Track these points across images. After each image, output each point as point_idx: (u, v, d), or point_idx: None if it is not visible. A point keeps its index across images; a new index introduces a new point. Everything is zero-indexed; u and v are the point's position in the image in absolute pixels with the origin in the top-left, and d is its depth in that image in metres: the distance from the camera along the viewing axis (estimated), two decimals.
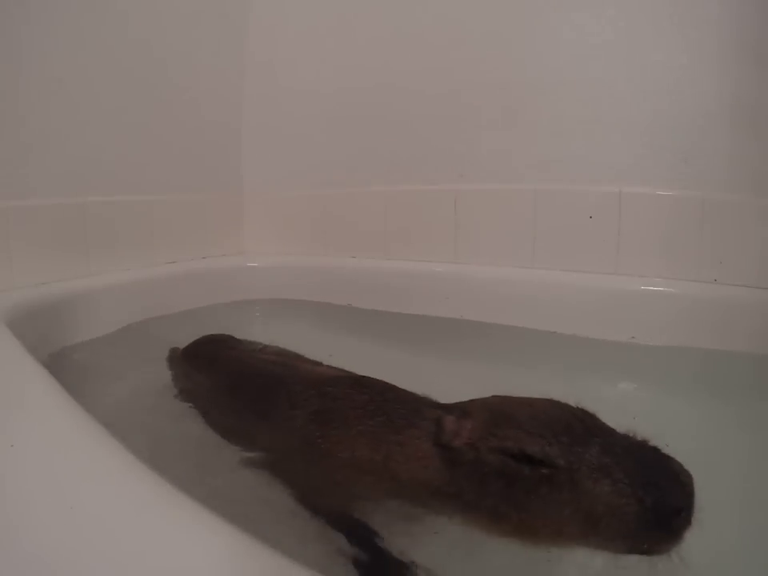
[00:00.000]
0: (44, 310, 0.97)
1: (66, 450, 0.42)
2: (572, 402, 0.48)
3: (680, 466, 0.39)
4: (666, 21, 1.04)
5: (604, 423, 0.44)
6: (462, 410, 0.50)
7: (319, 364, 0.79)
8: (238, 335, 1.16)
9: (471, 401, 0.53)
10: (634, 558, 0.39)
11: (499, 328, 1.14)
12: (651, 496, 0.37)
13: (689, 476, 0.38)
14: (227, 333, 1.07)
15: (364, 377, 0.63)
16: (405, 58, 1.32)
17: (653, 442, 0.41)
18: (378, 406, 0.56)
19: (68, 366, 0.93)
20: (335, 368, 0.74)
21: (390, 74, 1.35)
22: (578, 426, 0.42)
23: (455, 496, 0.46)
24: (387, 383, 0.62)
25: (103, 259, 1.20)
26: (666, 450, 0.40)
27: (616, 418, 0.80)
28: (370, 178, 1.40)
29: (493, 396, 0.53)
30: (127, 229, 1.26)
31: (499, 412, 0.47)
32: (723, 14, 1.00)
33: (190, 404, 0.77)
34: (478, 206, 1.25)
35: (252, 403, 0.68)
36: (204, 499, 0.35)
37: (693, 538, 0.53)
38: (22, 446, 0.42)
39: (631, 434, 0.43)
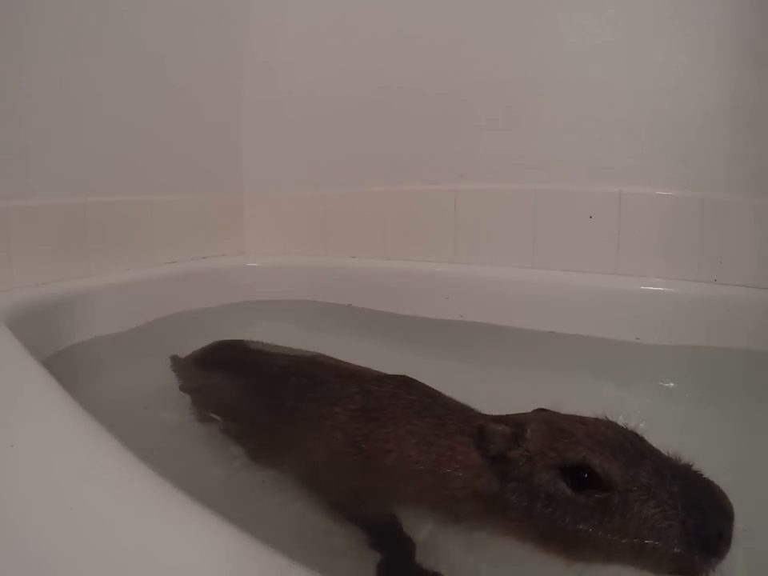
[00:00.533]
0: (44, 310, 0.97)
1: (65, 450, 0.42)
2: (621, 422, 0.47)
3: (721, 491, 0.40)
4: (666, 21, 1.04)
5: (651, 445, 0.44)
6: (515, 422, 0.48)
7: (352, 365, 0.75)
8: (238, 335, 1.16)
9: (522, 414, 0.50)
10: None
11: (499, 328, 1.14)
12: (695, 519, 0.38)
13: (729, 501, 0.39)
14: (227, 333, 1.07)
15: (410, 378, 0.61)
16: (405, 58, 1.32)
17: (695, 466, 0.42)
18: (427, 407, 0.54)
19: (68, 365, 0.93)
20: (373, 370, 0.70)
21: (389, 75, 1.35)
22: (629, 447, 0.43)
23: (502, 510, 0.44)
24: (433, 388, 0.60)
25: (103, 259, 1.20)
26: (708, 476, 0.41)
27: (614, 418, 0.81)
28: (370, 178, 1.40)
29: (542, 410, 0.51)
30: (127, 229, 1.26)
31: (557, 427, 0.45)
32: (723, 14, 1.00)
33: (211, 413, 0.74)
34: (478, 206, 1.25)
35: (285, 402, 0.64)
36: (204, 499, 0.35)
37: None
38: (22, 446, 0.42)
39: (676, 457, 0.43)
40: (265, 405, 0.68)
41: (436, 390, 0.59)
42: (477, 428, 0.48)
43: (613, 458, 0.41)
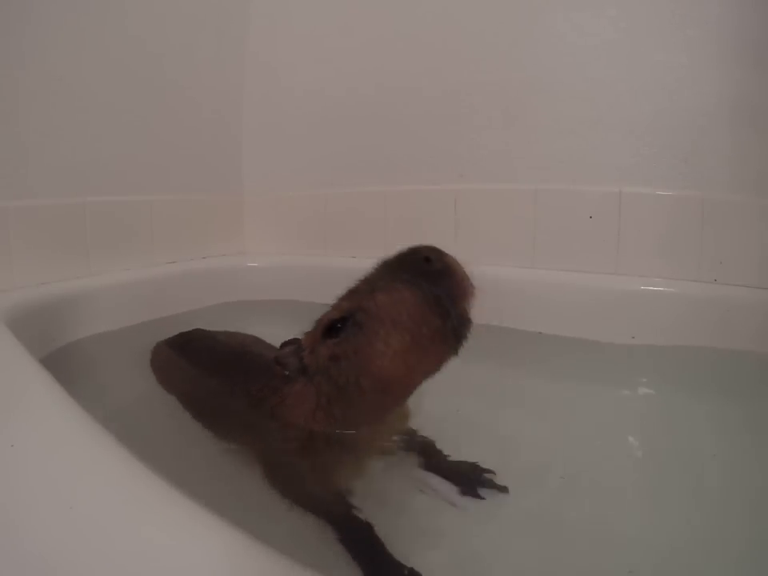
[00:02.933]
0: (44, 310, 0.97)
1: (65, 450, 0.42)
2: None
3: (413, 247, 0.49)
4: (666, 21, 1.04)
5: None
6: (290, 342, 0.57)
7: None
8: None
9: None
10: None
11: (499, 328, 1.14)
12: (409, 275, 0.48)
13: (420, 246, 0.49)
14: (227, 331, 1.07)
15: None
16: (405, 58, 1.32)
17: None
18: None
19: (68, 365, 0.93)
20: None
21: (389, 74, 1.35)
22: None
23: (327, 401, 0.52)
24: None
25: (103, 259, 1.20)
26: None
27: (617, 418, 0.81)
28: (370, 178, 1.40)
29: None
30: (127, 229, 1.26)
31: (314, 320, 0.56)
32: (724, 14, 1.00)
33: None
34: (478, 206, 1.25)
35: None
36: (204, 498, 0.35)
37: (694, 536, 0.53)
38: (22, 446, 0.42)
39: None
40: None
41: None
42: (273, 360, 0.55)
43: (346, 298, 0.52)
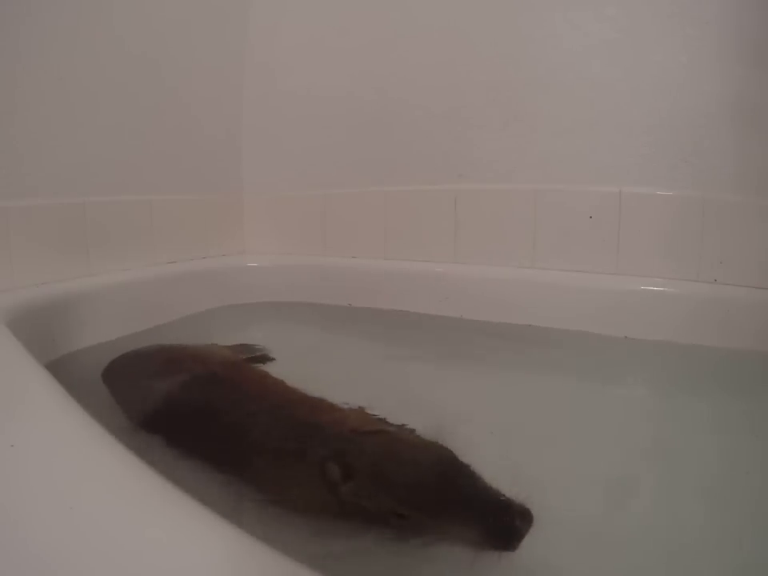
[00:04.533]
0: (44, 310, 0.97)
1: (66, 450, 0.41)
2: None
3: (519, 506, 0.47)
4: (666, 20, 1.04)
5: (470, 473, 0.51)
6: (347, 467, 0.52)
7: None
8: (238, 335, 1.17)
9: (356, 448, 0.54)
10: None
11: (499, 328, 1.14)
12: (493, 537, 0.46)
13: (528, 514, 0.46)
14: (227, 332, 1.07)
15: None
16: (404, 58, 1.32)
17: (504, 493, 0.48)
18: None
19: (68, 365, 0.93)
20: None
21: (389, 74, 1.35)
22: (444, 485, 0.49)
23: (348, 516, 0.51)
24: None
25: (103, 259, 1.19)
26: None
27: (617, 417, 0.81)
28: (370, 178, 1.40)
29: (375, 435, 0.56)
30: (127, 229, 1.26)
31: (380, 470, 0.51)
32: (723, 14, 1.00)
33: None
34: (478, 205, 1.25)
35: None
36: (204, 498, 0.35)
37: (694, 536, 0.53)
38: (22, 446, 0.42)
39: (490, 486, 0.49)
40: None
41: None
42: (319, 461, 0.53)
43: (424, 503, 0.48)
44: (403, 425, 0.61)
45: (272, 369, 0.92)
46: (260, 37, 1.53)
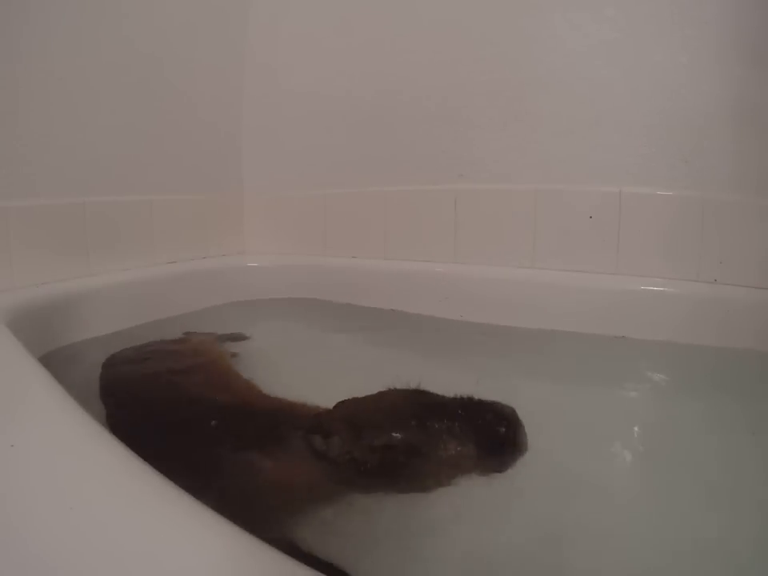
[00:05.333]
0: (44, 310, 0.97)
1: (66, 450, 0.41)
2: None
3: (500, 405, 0.52)
4: (666, 20, 1.04)
5: (435, 395, 0.55)
6: (325, 429, 0.54)
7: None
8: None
9: (328, 415, 0.57)
10: None
11: (499, 328, 1.14)
12: (484, 436, 0.49)
13: (510, 411, 0.51)
14: (226, 332, 1.07)
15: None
16: (404, 58, 1.32)
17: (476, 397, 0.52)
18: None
19: (68, 365, 0.93)
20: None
21: (389, 74, 1.35)
22: (417, 408, 0.53)
23: (347, 482, 0.52)
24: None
25: (103, 259, 1.20)
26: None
27: (616, 417, 0.81)
28: (370, 178, 1.40)
29: (343, 404, 0.58)
30: (127, 229, 1.26)
31: (354, 422, 0.53)
32: (723, 14, 1.00)
33: None
34: (478, 205, 1.25)
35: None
36: (204, 497, 0.35)
37: (694, 536, 0.53)
38: (22, 446, 0.42)
39: (458, 396, 0.53)
40: None
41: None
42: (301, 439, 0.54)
43: (404, 427, 0.50)
44: None
45: (272, 369, 0.92)
46: (260, 37, 1.53)
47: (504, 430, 0.50)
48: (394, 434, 0.51)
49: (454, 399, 0.54)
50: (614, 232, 1.10)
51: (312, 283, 1.41)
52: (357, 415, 0.54)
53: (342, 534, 0.51)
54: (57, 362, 0.91)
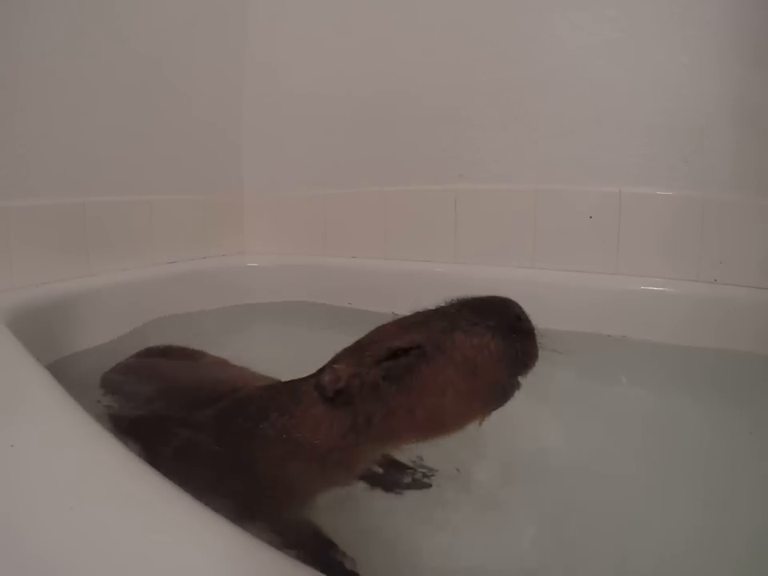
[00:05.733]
0: (44, 310, 0.97)
1: (66, 450, 0.41)
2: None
3: (500, 298, 0.49)
4: (666, 20, 1.04)
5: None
6: (329, 365, 0.52)
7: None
8: (238, 335, 1.17)
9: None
10: None
11: None
12: (496, 324, 0.46)
13: (510, 300, 0.49)
14: (227, 332, 1.07)
15: None
16: (405, 58, 1.32)
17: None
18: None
19: (68, 365, 0.93)
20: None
21: (389, 74, 1.35)
22: (419, 316, 0.50)
23: (365, 423, 0.47)
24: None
25: (103, 259, 1.20)
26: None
27: (615, 418, 0.81)
28: (370, 178, 1.40)
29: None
30: (127, 229, 1.26)
31: (357, 345, 0.51)
32: (724, 14, 1.00)
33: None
34: (478, 205, 1.25)
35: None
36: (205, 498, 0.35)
37: (695, 536, 0.53)
38: (22, 446, 0.42)
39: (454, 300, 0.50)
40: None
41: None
42: (312, 386, 0.51)
43: (412, 328, 0.47)
44: None
45: (272, 369, 0.92)
46: (260, 37, 1.53)
47: (518, 313, 0.47)
48: (399, 340, 0.47)
49: (450, 303, 0.51)
50: (614, 232, 1.10)
51: (312, 283, 1.41)
52: (360, 342, 0.52)
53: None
54: (57, 362, 0.91)
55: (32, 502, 0.35)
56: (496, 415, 0.80)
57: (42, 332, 0.92)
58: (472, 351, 0.45)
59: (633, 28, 1.07)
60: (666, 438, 0.73)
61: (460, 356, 0.45)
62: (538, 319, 1.13)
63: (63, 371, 0.82)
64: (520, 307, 0.47)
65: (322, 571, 0.46)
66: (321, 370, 0.53)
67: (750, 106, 0.99)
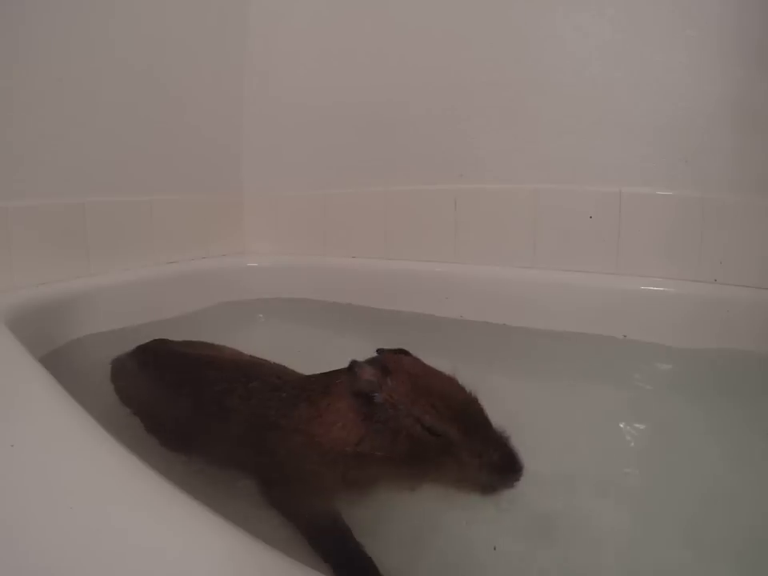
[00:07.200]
0: (44, 310, 0.97)
1: (66, 450, 0.42)
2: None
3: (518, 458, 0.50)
4: (667, 21, 1.04)
5: (485, 414, 0.53)
6: (381, 364, 0.52)
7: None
8: (238, 335, 1.16)
9: (385, 356, 0.56)
10: None
11: (499, 328, 1.14)
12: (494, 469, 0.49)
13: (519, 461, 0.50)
14: (226, 332, 1.07)
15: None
16: (405, 57, 1.32)
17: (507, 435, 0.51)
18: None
19: (68, 365, 0.93)
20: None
21: (389, 74, 1.35)
22: (471, 412, 0.52)
23: (371, 449, 0.50)
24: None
25: (103, 259, 1.20)
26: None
27: (615, 417, 0.81)
28: (370, 178, 1.40)
29: (403, 354, 0.56)
30: (127, 229, 1.26)
31: (416, 381, 0.51)
32: (724, 14, 1.00)
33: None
34: (478, 205, 1.25)
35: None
36: (204, 497, 0.35)
37: (695, 536, 0.53)
38: (22, 446, 0.42)
39: (498, 428, 0.52)
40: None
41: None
42: (349, 365, 0.53)
43: (456, 421, 0.49)
44: None
45: None
46: (260, 37, 1.53)
47: (516, 476, 0.50)
48: (442, 422, 0.49)
49: (495, 428, 0.53)
50: (614, 232, 1.10)
51: (312, 283, 1.41)
52: (420, 378, 0.52)
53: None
54: (57, 362, 0.91)
55: (32, 501, 0.35)
56: (493, 419, 0.80)
57: (42, 332, 0.93)
58: (473, 471, 0.49)
59: (633, 28, 1.07)
60: (666, 438, 0.73)
61: (464, 468, 0.49)
62: (539, 319, 1.13)
63: (63, 365, 0.83)
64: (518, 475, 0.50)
65: (336, 558, 0.47)
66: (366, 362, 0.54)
67: (750, 106, 0.99)
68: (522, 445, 0.70)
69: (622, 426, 0.78)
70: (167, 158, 1.35)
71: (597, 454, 0.69)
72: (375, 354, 0.58)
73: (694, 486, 0.61)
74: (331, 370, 0.60)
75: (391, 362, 0.53)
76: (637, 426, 0.78)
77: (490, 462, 0.49)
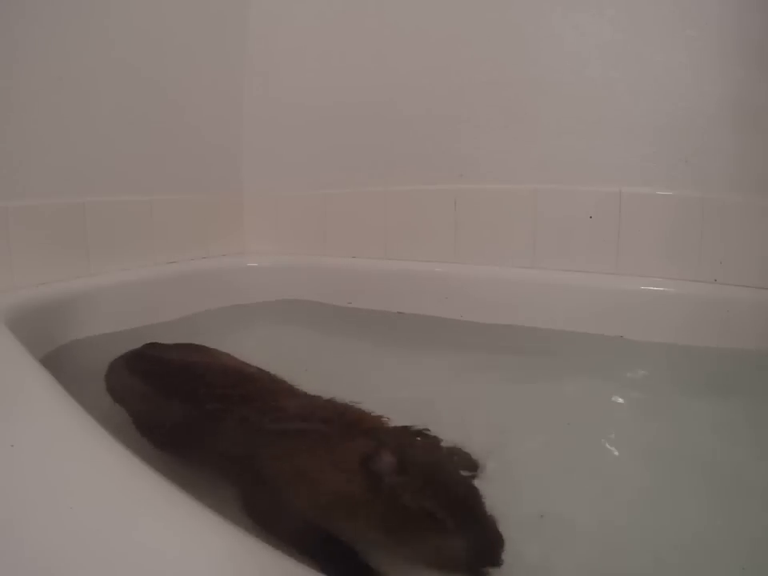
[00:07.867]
0: (44, 310, 0.97)
1: (66, 450, 0.42)
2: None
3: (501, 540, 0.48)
4: (667, 21, 1.04)
5: (481, 499, 0.52)
6: (399, 452, 0.52)
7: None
8: (238, 335, 1.17)
9: (398, 440, 0.55)
10: None
11: (499, 328, 1.14)
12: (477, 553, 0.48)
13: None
14: (226, 332, 1.07)
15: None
16: (405, 57, 1.32)
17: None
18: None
19: (68, 365, 0.93)
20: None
21: (389, 74, 1.35)
22: (463, 497, 0.51)
23: (366, 512, 0.50)
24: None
25: (103, 259, 1.20)
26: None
27: (615, 417, 0.81)
28: (370, 178, 1.40)
29: (415, 434, 0.56)
30: (127, 229, 1.26)
31: (424, 471, 0.52)
32: (724, 14, 1.00)
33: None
34: (478, 206, 1.25)
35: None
36: (205, 498, 0.35)
37: (694, 536, 0.53)
38: (22, 446, 0.42)
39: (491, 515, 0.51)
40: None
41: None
42: (368, 446, 0.52)
43: (452, 508, 0.49)
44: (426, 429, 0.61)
45: (272, 369, 0.92)
46: (260, 37, 1.53)
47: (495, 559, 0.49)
48: (444, 512, 0.48)
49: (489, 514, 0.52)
50: (614, 232, 1.10)
51: (312, 283, 1.41)
52: (427, 467, 0.53)
53: None
54: (57, 362, 0.91)
55: (32, 501, 0.35)
56: (494, 419, 0.80)
57: (42, 332, 0.93)
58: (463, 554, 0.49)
59: (633, 28, 1.07)
60: (667, 438, 0.73)
61: (449, 546, 0.49)
62: (539, 319, 1.13)
63: (63, 366, 0.83)
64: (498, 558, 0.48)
65: (330, 563, 0.47)
66: (381, 440, 0.54)
67: (751, 106, 0.99)
68: (522, 445, 0.70)
69: (621, 425, 0.78)
70: (167, 158, 1.35)
71: (596, 454, 0.69)
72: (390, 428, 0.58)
73: (694, 486, 0.61)
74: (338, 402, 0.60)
75: (403, 453, 0.53)
76: (637, 425, 0.78)
77: (477, 551, 0.48)
